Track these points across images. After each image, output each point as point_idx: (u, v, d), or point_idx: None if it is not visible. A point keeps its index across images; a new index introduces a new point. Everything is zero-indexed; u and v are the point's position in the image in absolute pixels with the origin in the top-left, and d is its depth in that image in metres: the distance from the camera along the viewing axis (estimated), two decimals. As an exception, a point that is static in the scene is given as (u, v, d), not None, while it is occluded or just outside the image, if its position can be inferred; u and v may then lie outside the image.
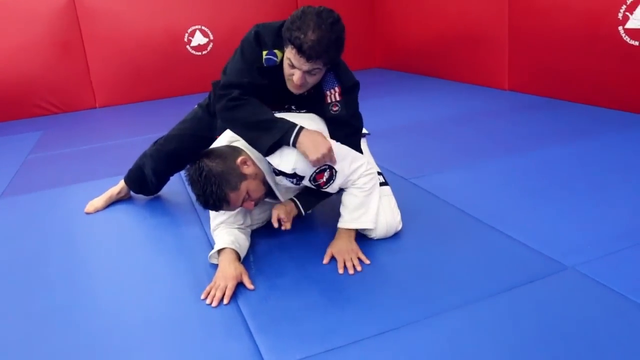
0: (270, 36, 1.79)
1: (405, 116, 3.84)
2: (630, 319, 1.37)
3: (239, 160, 1.70)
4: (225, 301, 1.58)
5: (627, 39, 3.28)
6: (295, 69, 1.71)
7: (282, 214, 1.82)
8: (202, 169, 1.65)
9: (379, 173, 2.04)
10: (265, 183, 1.79)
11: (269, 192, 1.85)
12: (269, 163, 1.75)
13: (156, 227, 2.25)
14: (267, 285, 1.67)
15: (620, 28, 3.30)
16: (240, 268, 1.70)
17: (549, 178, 2.38)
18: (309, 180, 1.76)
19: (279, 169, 1.72)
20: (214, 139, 1.95)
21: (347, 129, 1.90)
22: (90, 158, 3.42)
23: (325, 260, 1.77)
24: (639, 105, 3.29)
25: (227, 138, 1.85)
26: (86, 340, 1.47)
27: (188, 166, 1.71)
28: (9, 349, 1.46)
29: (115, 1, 5.04)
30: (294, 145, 1.69)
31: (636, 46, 3.23)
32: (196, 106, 2.26)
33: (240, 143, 1.79)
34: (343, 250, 1.76)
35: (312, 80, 1.76)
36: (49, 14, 4.88)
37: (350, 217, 1.83)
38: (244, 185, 1.69)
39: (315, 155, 1.67)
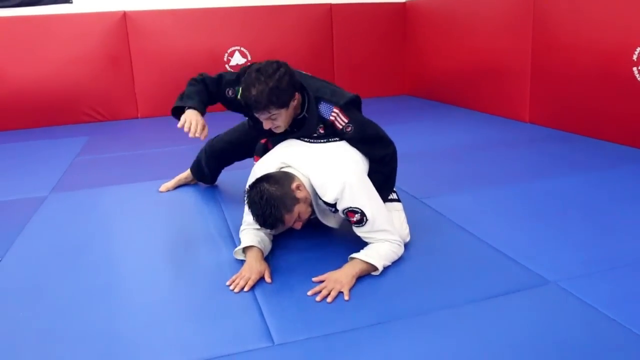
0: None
1: (426, 141, 4.05)
2: (598, 330, 1.54)
3: (294, 185, 1.87)
4: (246, 289, 1.81)
5: (640, 79, 3.44)
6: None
7: None
8: (262, 192, 1.81)
9: (393, 191, 2.26)
10: (311, 205, 1.98)
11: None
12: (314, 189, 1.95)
13: (187, 225, 2.52)
14: (282, 279, 1.90)
15: (634, 69, 3.47)
16: (265, 265, 1.93)
17: (551, 205, 2.55)
18: (342, 212, 1.94)
19: (323, 198, 1.93)
20: (254, 146, 2.44)
21: (371, 145, 2.13)
22: (131, 163, 3.72)
23: (314, 279, 1.85)
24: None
25: (276, 164, 2.02)
26: (120, 316, 1.73)
27: (247, 188, 1.91)
28: (56, 321, 1.72)
29: (162, 20, 5.44)
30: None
31: (649, 87, 3.39)
32: (246, 119, 2.51)
33: (291, 169, 1.97)
34: (332, 279, 1.81)
35: (280, 122, 2.03)
36: (102, 29, 5.28)
37: (365, 252, 1.91)
38: (297, 208, 1.86)
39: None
